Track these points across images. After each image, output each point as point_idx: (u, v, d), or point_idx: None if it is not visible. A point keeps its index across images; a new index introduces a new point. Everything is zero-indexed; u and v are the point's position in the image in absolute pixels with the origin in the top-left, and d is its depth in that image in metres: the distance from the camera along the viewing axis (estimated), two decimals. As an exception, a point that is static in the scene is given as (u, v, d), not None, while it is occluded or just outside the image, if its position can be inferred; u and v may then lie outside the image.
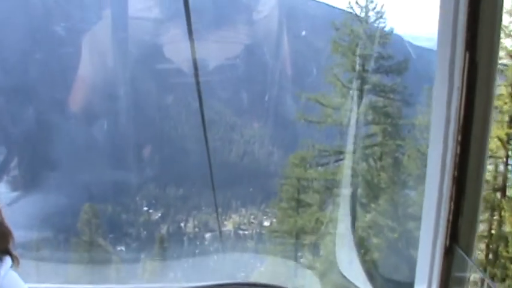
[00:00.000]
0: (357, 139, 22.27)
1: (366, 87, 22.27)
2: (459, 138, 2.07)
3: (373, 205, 22.68)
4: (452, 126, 2.08)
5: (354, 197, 22.52)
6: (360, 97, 22.28)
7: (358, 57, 22.34)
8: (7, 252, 1.84)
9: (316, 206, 25.01)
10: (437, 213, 2.12)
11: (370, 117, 22.56)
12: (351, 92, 22.57)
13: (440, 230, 2.11)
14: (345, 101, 22.67)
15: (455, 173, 2.08)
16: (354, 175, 22.43)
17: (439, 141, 2.13)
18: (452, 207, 2.09)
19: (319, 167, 24.09)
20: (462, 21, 2.04)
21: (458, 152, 2.07)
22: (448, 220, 2.10)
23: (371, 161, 23.17)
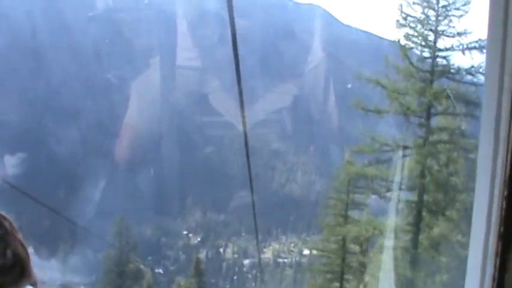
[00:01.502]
0: (424, 132, 18.69)
1: (438, 68, 18.57)
2: (505, 193, 2.02)
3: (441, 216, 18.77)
4: (498, 181, 2.03)
5: (419, 204, 18.72)
6: (430, 81, 18.57)
7: (429, 32, 18.57)
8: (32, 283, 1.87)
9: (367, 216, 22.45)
10: (482, 270, 2.07)
11: (441, 107, 18.68)
12: (420, 74, 18.67)
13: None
14: (411, 85, 18.87)
15: (501, 228, 2.03)
16: (420, 176, 18.53)
17: (484, 196, 2.08)
18: (497, 264, 2.03)
19: (380, 165, 19.72)
20: (509, 74, 2.00)
21: (504, 206, 2.02)
22: (494, 277, 2.04)
23: (440, 160, 19.05)
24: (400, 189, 19.13)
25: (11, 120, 69.71)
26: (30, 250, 1.81)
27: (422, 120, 18.71)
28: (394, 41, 19.28)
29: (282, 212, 67.25)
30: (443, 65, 18.56)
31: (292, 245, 60.53)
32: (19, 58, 74.23)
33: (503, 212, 2.02)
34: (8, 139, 65.11)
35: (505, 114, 2.02)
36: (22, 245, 1.76)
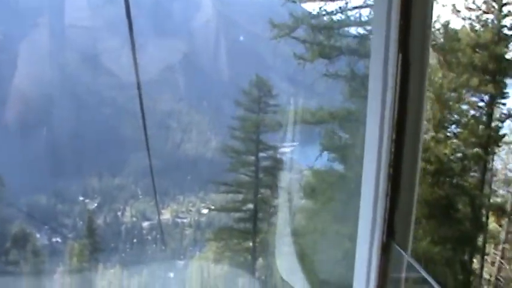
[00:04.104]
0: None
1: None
2: (393, 136, 2.09)
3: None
4: (387, 125, 2.10)
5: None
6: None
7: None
8: None
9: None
10: (373, 210, 2.15)
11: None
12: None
13: (377, 227, 2.14)
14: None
15: (391, 170, 2.11)
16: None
17: (374, 139, 2.15)
18: (388, 204, 2.12)
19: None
20: (395, 23, 2.06)
21: (393, 149, 2.10)
22: (384, 217, 2.12)
23: None
24: None
25: None
26: None
27: None
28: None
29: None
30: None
31: (190, 204, 60.67)
32: None
33: (392, 155, 2.11)
34: None
35: (392, 61, 2.09)
36: None
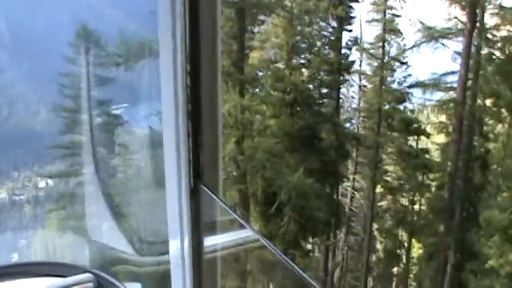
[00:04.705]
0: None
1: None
2: (188, 68, 2.04)
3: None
4: (180, 56, 2.03)
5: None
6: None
7: None
8: None
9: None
10: (177, 153, 2.10)
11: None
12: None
13: (183, 171, 2.10)
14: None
15: (189, 107, 2.06)
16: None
17: (168, 73, 2.08)
18: (191, 145, 2.08)
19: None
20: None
21: (189, 83, 2.05)
22: (189, 159, 2.08)
23: None
24: None
25: None
26: None
27: None
28: None
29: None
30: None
31: (26, 179, 57.97)
32: None
33: (189, 89, 2.05)
34: None
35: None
36: None
